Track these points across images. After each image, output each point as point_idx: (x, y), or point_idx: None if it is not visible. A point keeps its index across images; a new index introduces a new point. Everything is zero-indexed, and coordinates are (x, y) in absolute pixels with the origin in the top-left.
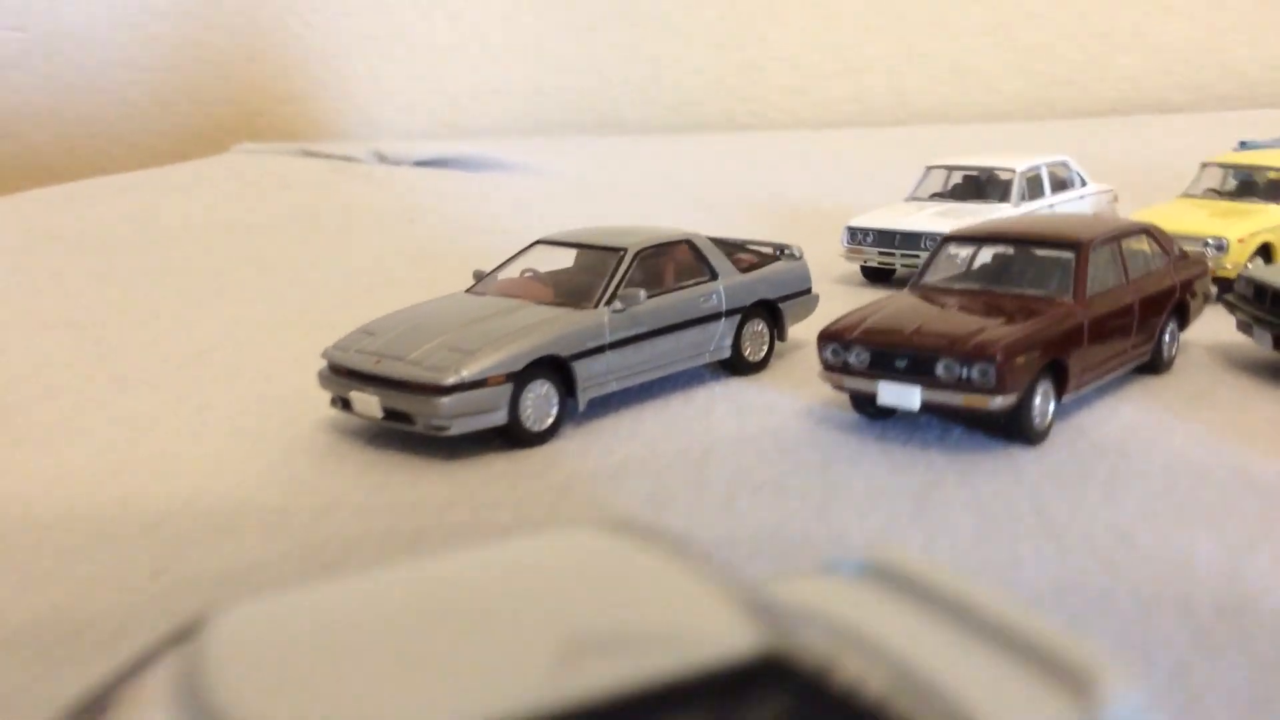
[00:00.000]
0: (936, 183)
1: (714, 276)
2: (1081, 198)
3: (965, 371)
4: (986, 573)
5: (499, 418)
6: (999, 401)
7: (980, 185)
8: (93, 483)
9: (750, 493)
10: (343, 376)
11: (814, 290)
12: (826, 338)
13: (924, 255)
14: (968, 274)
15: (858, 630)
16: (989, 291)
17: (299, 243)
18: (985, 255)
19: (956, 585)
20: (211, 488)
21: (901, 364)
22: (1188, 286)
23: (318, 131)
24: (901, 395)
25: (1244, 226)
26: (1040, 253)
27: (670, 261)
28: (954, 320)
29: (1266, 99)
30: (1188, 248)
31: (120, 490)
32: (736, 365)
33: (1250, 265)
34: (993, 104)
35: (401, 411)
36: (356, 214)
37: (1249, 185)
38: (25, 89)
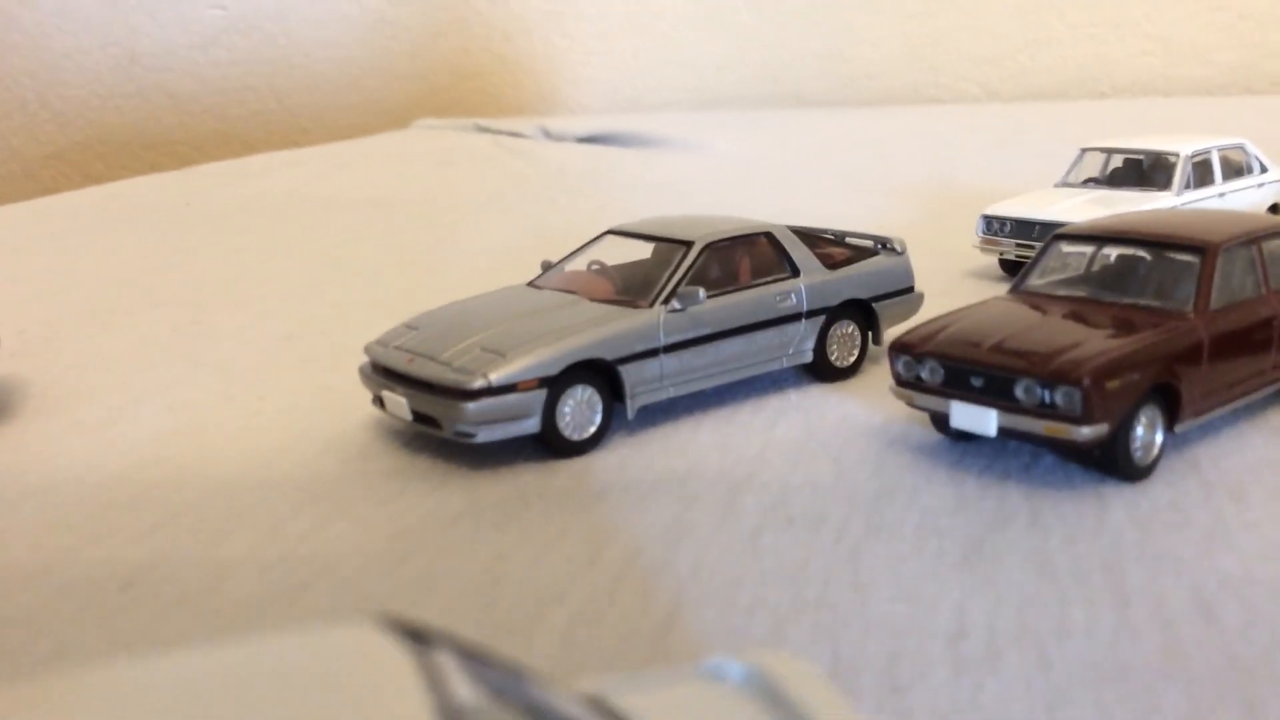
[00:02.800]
0: (1093, 167)
1: (795, 273)
2: (1261, 185)
3: (1048, 395)
4: (1022, 643)
5: (531, 425)
6: (1086, 432)
7: (1141, 170)
8: (110, 471)
9: (781, 527)
10: (379, 374)
11: (917, 289)
12: (898, 348)
13: None
14: (1081, 278)
15: None
16: (1099, 300)
17: (437, 221)
18: (1108, 256)
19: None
20: (226, 487)
21: (978, 383)
22: None
23: (500, 107)
24: (976, 418)
25: None
26: (1162, 256)
27: (746, 256)
28: (1044, 334)
29: None
30: None
31: (132, 483)
32: (822, 370)
33: None
34: (1206, 76)
35: (428, 415)
36: (504, 191)
37: None
38: (224, 64)
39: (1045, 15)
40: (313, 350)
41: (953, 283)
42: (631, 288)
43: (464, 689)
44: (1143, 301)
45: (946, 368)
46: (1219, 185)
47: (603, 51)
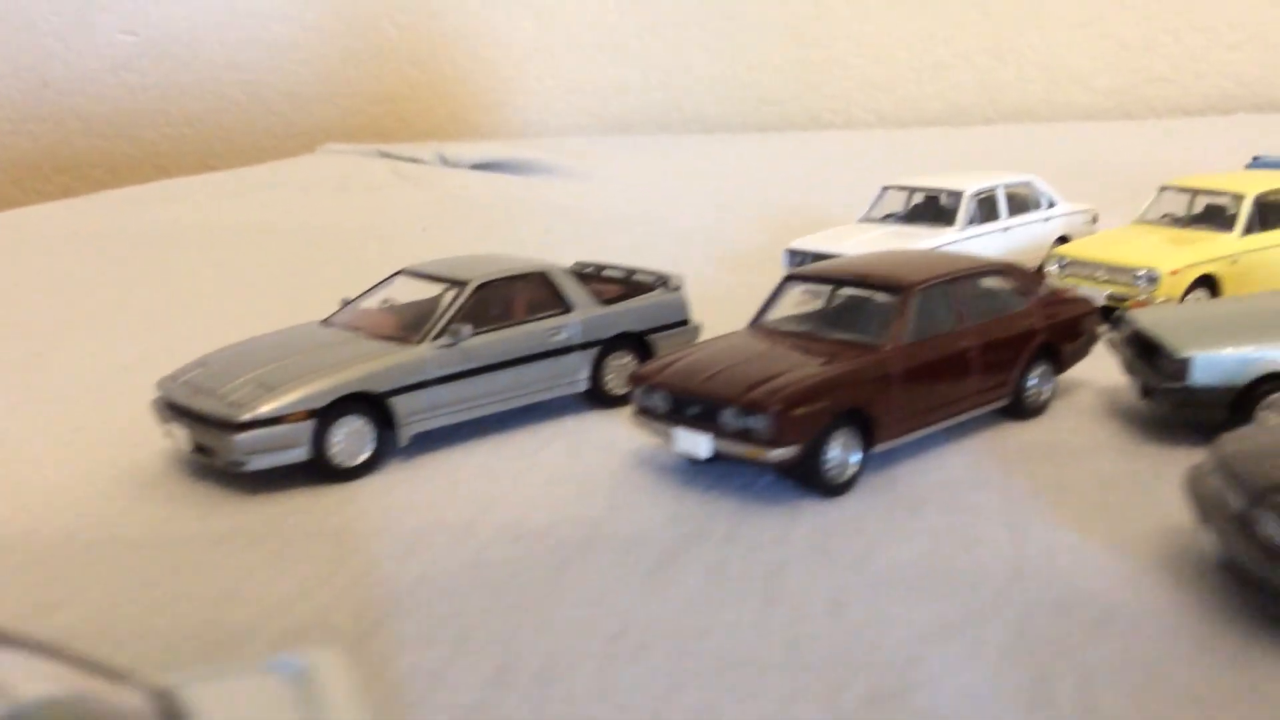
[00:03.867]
0: (895, 203)
1: (568, 309)
2: (1047, 220)
3: (745, 422)
4: (668, 640)
5: (300, 454)
6: (776, 454)
7: (935, 207)
8: None
9: (508, 543)
10: (166, 408)
11: (691, 322)
12: (635, 379)
13: None
14: (809, 315)
15: None
16: (815, 335)
17: (316, 249)
18: (840, 295)
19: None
20: (14, 518)
21: (694, 411)
22: (1060, 328)
23: (411, 132)
24: (693, 443)
25: (1182, 257)
26: (871, 295)
27: (521, 294)
28: (753, 367)
29: None
30: (1117, 281)
31: None
32: (599, 398)
33: (1190, 298)
34: (1087, 102)
35: (205, 445)
36: (389, 219)
37: (1209, 211)
38: (136, 89)
39: (934, 44)
40: (146, 382)
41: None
42: (407, 325)
43: (28, 686)
44: (849, 336)
45: (671, 397)
46: (1004, 220)
47: (512, 77)
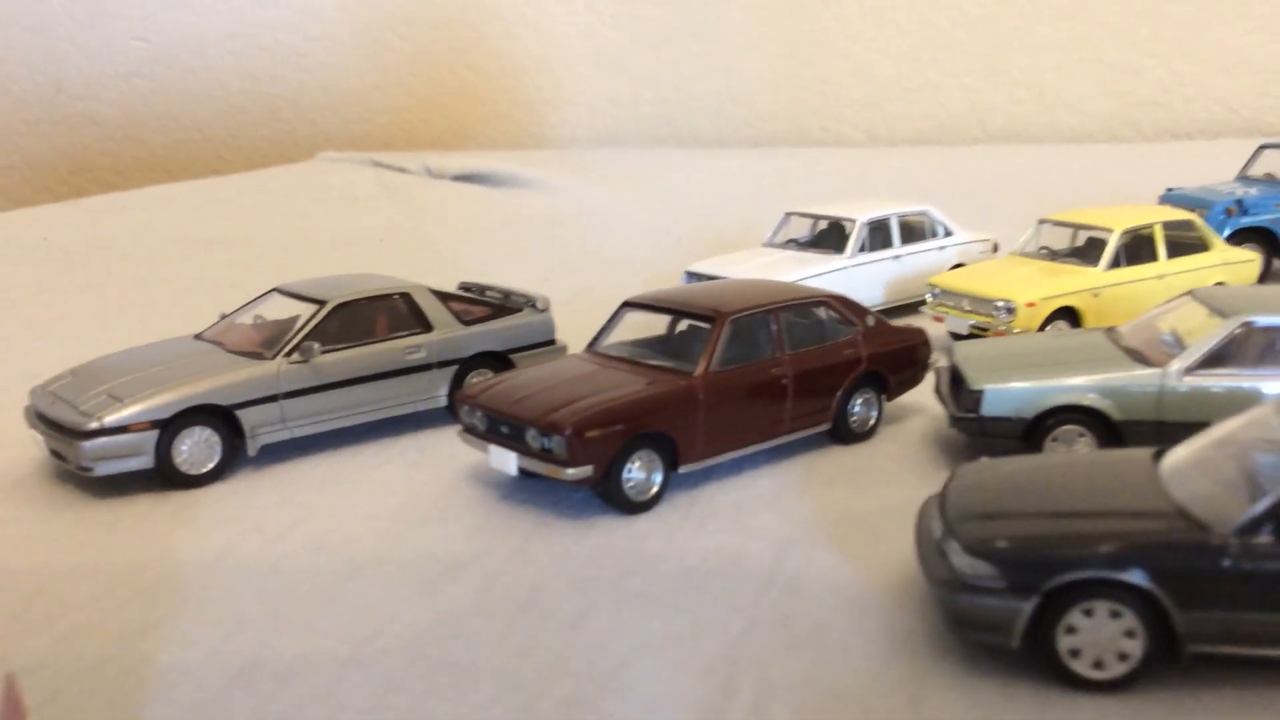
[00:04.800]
0: (799, 229)
1: (427, 329)
2: (942, 248)
3: (544, 442)
4: (409, 649)
5: (144, 462)
6: (571, 473)
7: (833, 234)
8: None
9: (309, 551)
10: (33, 415)
11: (557, 341)
12: (460, 399)
13: None
14: (644, 341)
15: None
16: (636, 361)
17: (268, 261)
18: (678, 322)
19: None
20: None
21: (505, 430)
22: (887, 357)
23: (411, 142)
24: (504, 460)
25: (1042, 289)
26: (693, 323)
27: (381, 313)
28: (563, 391)
29: None
30: (979, 311)
31: None
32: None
33: (1051, 328)
34: (1076, 124)
35: (59, 451)
36: (355, 230)
37: (1085, 244)
38: (146, 94)
39: (923, 64)
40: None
41: None
42: (268, 341)
43: None
44: (665, 363)
45: (486, 416)
46: (896, 249)
47: (510, 89)
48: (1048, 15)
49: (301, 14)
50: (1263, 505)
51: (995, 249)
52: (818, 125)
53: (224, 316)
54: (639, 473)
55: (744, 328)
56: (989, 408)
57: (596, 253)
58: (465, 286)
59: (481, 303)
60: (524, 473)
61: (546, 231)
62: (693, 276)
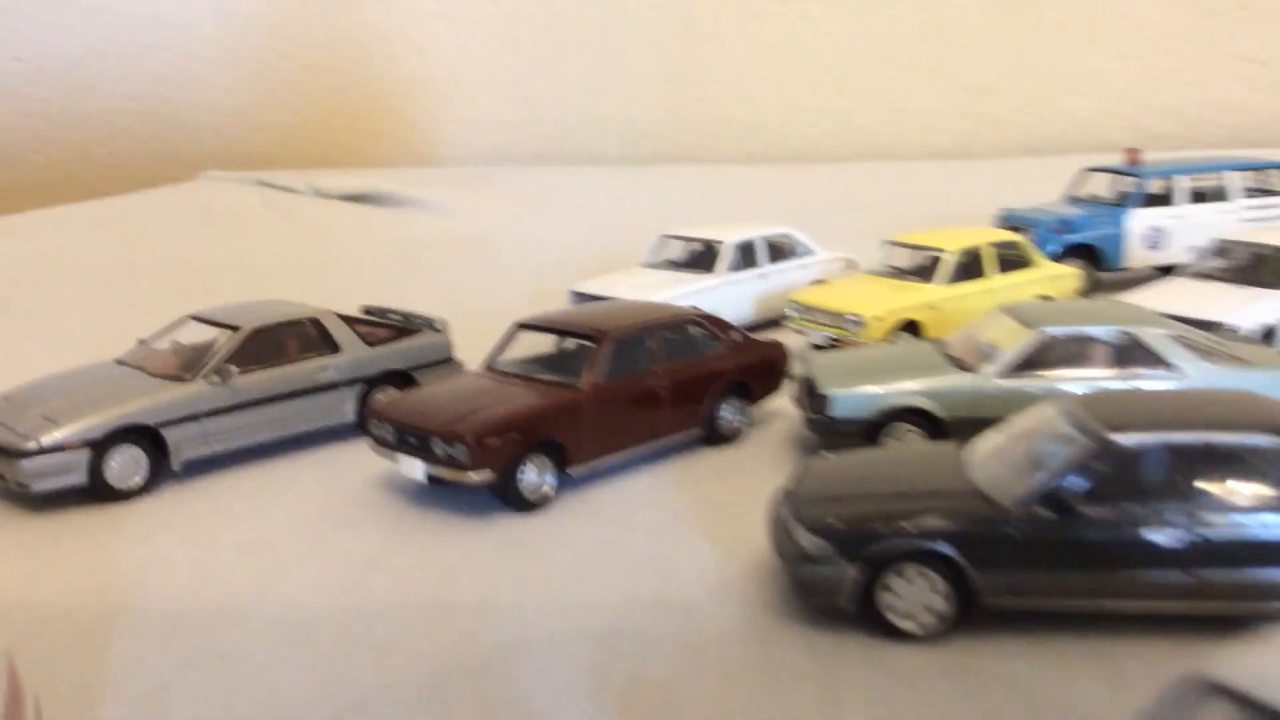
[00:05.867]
0: (675, 250)
1: (335, 350)
2: (803, 266)
3: (448, 450)
4: (269, 639)
5: (78, 479)
6: (474, 476)
7: (704, 254)
8: None
9: (236, 552)
10: None
11: (454, 359)
12: (369, 412)
13: None
14: (536, 358)
15: None
16: (529, 376)
17: (165, 284)
18: (565, 341)
19: None
20: None
21: (413, 440)
22: (749, 368)
23: (296, 160)
24: (412, 467)
25: (887, 304)
26: (580, 342)
27: (293, 337)
28: (462, 403)
29: (1203, 139)
30: (834, 324)
31: None
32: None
33: (893, 339)
34: (934, 142)
35: None
36: (245, 252)
37: (925, 263)
38: (26, 115)
39: (795, 86)
40: None
41: None
42: (187, 364)
43: None
44: (555, 378)
45: (394, 429)
46: (761, 268)
47: (398, 109)
48: (908, 41)
49: (183, 34)
50: (1038, 482)
51: (854, 267)
52: (697, 143)
53: (141, 342)
54: (533, 475)
55: (624, 345)
56: (836, 410)
57: (485, 272)
58: (368, 310)
59: (384, 325)
60: (431, 479)
61: (435, 252)
62: (578, 296)
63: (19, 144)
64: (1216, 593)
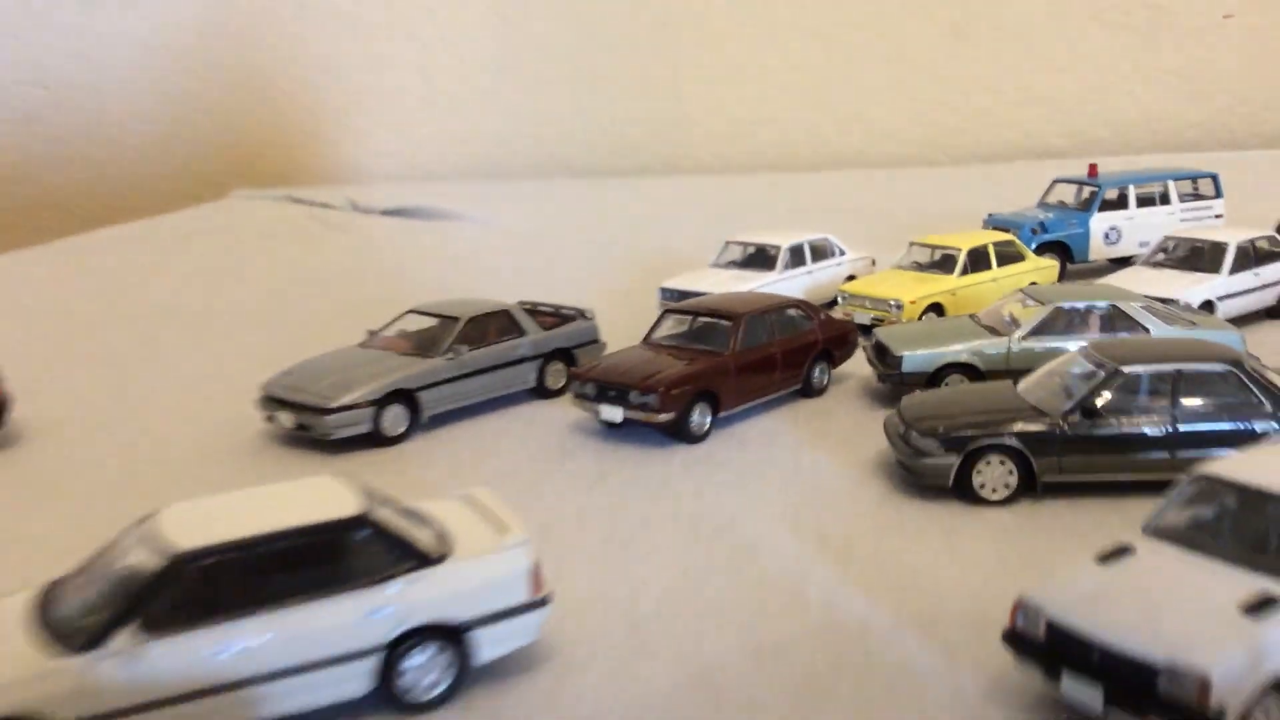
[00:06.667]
0: (735, 253)
1: (523, 334)
2: (839, 265)
3: (643, 399)
4: (567, 527)
5: (365, 427)
6: (663, 418)
7: (760, 256)
8: None
9: (478, 479)
10: (272, 401)
11: (600, 340)
12: (572, 376)
13: None
14: (682, 333)
15: None
16: (683, 346)
17: (272, 296)
18: (699, 321)
19: None
20: None
21: (612, 394)
22: (832, 340)
23: (307, 177)
24: (612, 414)
25: (917, 291)
26: (716, 322)
27: (493, 323)
28: (646, 365)
29: (1139, 144)
30: (877, 308)
31: None
32: (544, 392)
33: (923, 318)
34: (896, 150)
35: (305, 424)
36: (321, 265)
37: (941, 259)
38: (47, 139)
39: (767, 101)
40: None
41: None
42: (423, 345)
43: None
44: (705, 347)
45: (597, 386)
46: (809, 266)
47: (397, 126)
48: (869, 58)
49: (137, 53)
50: (1073, 402)
51: (874, 263)
52: (679, 155)
53: (371, 333)
54: (698, 416)
55: (753, 323)
56: (906, 366)
57: (535, 274)
58: (523, 303)
59: (549, 314)
60: (626, 420)
61: (489, 259)
62: (666, 291)
63: (41, 165)
64: (1186, 466)
